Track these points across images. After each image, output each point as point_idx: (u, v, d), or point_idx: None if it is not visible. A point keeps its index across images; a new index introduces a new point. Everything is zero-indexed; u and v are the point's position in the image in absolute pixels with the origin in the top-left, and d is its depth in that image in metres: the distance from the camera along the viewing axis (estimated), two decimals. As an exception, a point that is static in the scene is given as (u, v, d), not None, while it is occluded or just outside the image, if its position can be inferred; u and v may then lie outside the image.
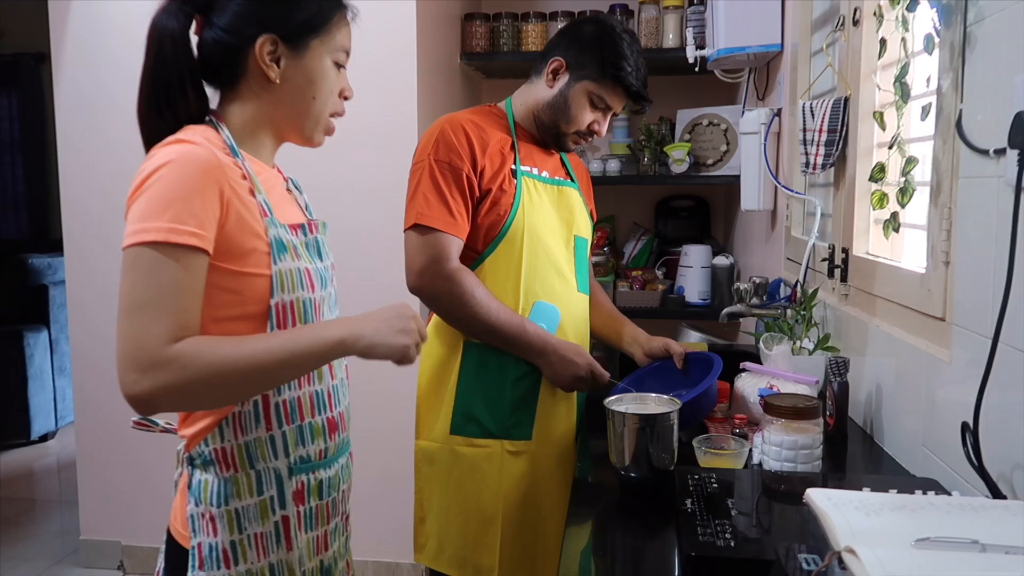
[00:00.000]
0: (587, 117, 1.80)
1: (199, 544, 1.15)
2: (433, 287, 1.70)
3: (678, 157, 3.12)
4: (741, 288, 2.14)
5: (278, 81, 1.19)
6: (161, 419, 1.27)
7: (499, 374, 1.76)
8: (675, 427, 1.35)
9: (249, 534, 1.16)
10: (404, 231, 1.73)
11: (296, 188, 1.37)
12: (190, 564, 1.15)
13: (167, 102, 1.17)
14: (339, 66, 1.26)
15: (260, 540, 1.16)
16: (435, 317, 1.80)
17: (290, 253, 1.16)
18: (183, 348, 1.03)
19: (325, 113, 1.26)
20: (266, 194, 1.18)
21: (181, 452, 1.21)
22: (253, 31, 1.17)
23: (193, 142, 1.09)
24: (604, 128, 1.85)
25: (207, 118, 1.21)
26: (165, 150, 1.09)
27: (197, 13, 1.19)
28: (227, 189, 1.09)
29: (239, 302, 1.12)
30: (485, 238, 1.74)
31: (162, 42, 1.16)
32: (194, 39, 1.20)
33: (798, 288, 1.93)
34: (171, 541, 1.21)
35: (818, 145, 1.86)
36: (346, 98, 1.29)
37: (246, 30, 1.17)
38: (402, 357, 1.17)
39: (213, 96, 1.24)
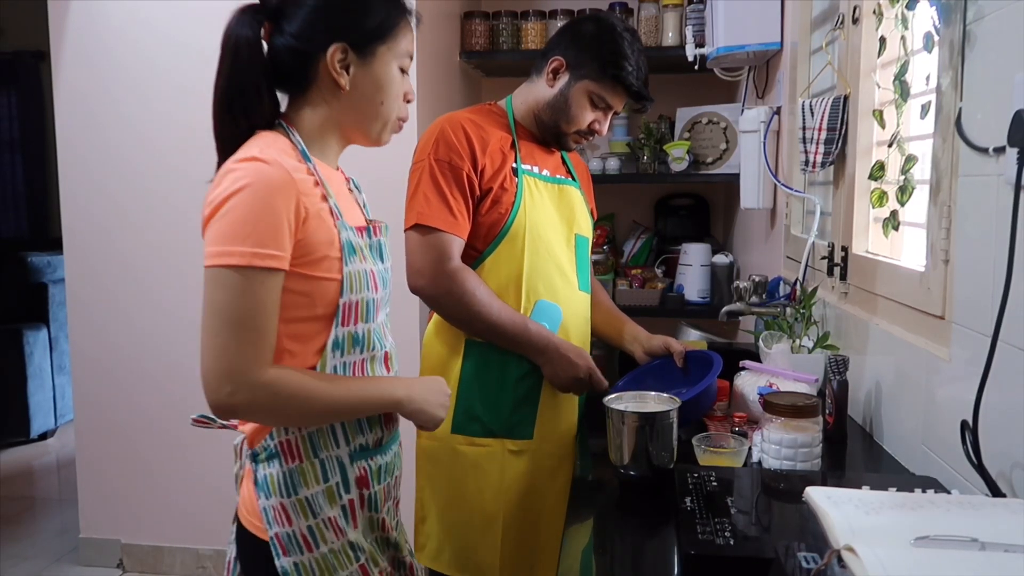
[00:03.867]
0: (587, 116, 1.80)
1: (276, 534, 1.21)
2: (434, 287, 1.70)
3: (677, 155, 3.12)
4: (740, 286, 2.14)
5: (348, 88, 1.23)
6: None
7: (501, 373, 1.76)
8: (675, 425, 1.35)
9: (323, 519, 1.22)
10: (404, 231, 1.72)
11: (356, 188, 1.42)
12: (274, 553, 1.21)
13: (242, 108, 1.21)
14: (403, 71, 1.30)
15: (334, 523, 1.23)
16: (436, 316, 1.80)
17: (359, 255, 1.22)
18: (279, 376, 1.14)
19: (392, 116, 1.30)
20: (336, 197, 1.23)
21: (238, 446, 1.29)
22: (324, 39, 1.21)
23: (266, 160, 1.13)
24: (605, 127, 1.85)
25: (278, 122, 1.25)
26: (240, 170, 1.12)
27: (267, 20, 1.23)
28: (302, 203, 1.14)
29: (309, 304, 1.18)
30: (486, 237, 1.74)
31: (238, 49, 1.19)
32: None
33: (797, 286, 1.93)
34: (242, 530, 1.27)
35: (817, 143, 1.86)
36: (408, 101, 1.33)
37: (317, 38, 1.21)
38: (434, 427, 1.33)
39: (283, 100, 1.29)
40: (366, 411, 1.25)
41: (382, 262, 1.31)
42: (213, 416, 1.28)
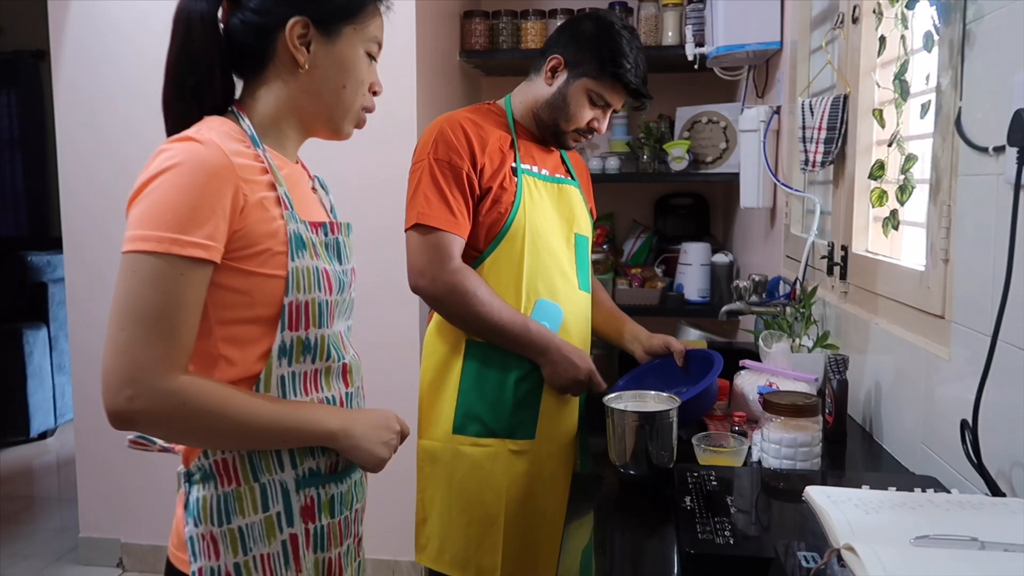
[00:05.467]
0: (586, 115, 1.80)
1: (199, 569, 1.07)
2: (435, 287, 1.69)
3: (677, 155, 3.11)
4: (740, 286, 2.14)
5: (307, 67, 1.13)
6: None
7: (502, 373, 1.75)
8: (674, 425, 1.35)
9: (255, 555, 1.08)
10: (405, 231, 1.72)
11: (322, 187, 1.32)
12: None
13: (193, 89, 1.11)
14: (371, 58, 1.21)
15: (266, 562, 1.09)
16: (437, 316, 1.80)
17: (309, 251, 1.11)
18: (190, 385, 1.00)
19: (355, 105, 1.20)
20: (290, 189, 1.13)
21: (181, 471, 1.15)
22: (285, 11, 1.12)
23: (201, 140, 1.03)
24: (604, 126, 1.85)
25: (229, 108, 1.16)
26: (172, 149, 1.02)
27: None
28: (240, 190, 1.03)
29: (248, 303, 1.07)
30: (486, 237, 1.74)
31: (190, 25, 1.10)
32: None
33: (797, 286, 1.93)
34: (170, 567, 1.13)
35: (817, 143, 1.86)
36: (375, 93, 1.23)
37: (277, 10, 1.12)
38: (374, 467, 1.18)
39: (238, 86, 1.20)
40: (293, 441, 1.09)
41: (339, 263, 1.18)
42: (148, 436, 1.16)
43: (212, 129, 1.07)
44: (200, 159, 1.01)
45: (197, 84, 1.11)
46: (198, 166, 1.00)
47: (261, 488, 1.09)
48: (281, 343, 1.09)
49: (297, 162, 1.25)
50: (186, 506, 1.09)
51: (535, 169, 1.81)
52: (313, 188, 1.28)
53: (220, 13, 1.14)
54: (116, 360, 0.98)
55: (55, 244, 3.73)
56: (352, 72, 1.18)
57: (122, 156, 2.95)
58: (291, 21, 1.12)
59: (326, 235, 1.17)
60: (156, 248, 0.98)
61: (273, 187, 1.09)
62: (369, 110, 1.24)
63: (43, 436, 4.64)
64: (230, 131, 1.09)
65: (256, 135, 1.13)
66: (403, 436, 1.23)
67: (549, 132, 1.83)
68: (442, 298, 1.71)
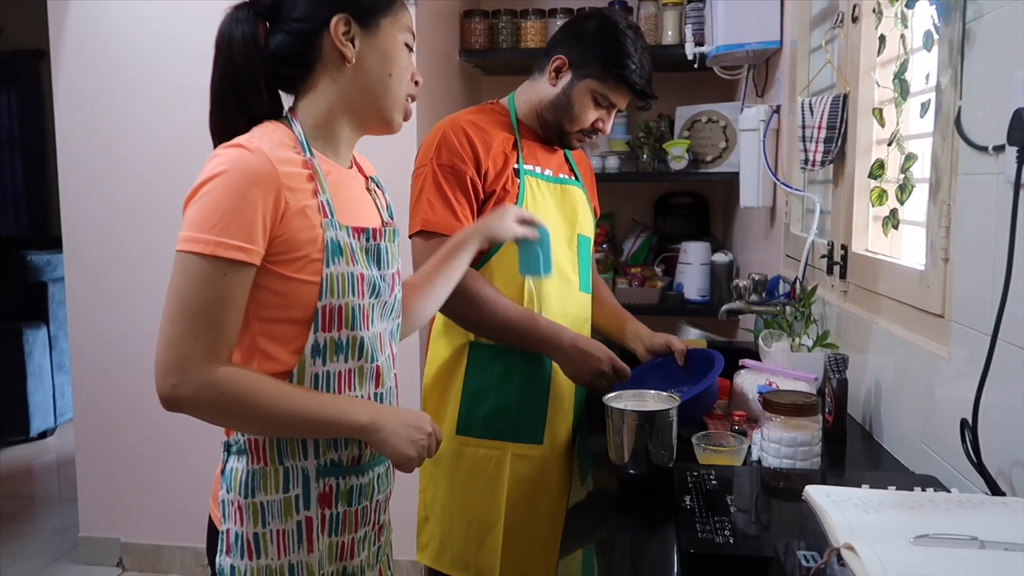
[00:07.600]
0: (591, 115, 1.79)
1: (227, 530, 1.18)
2: None
3: (677, 154, 3.11)
4: (740, 285, 2.14)
5: (353, 61, 1.20)
6: None
7: (505, 376, 1.75)
8: (674, 424, 1.35)
9: (272, 530, 1.17)
10: (410, 237, 1.71)
11: (378, 187, 1.38)
12: (219, 547, 1.19)
13: (238, 104, 1.19)
14: (408, 48, 1.27)
15: (282, 537, 1.18)
16: (441, 317, 1.79)
17: (345, 257, 1.17)
18: (228, 375, 1.09)
19: (402, 93, 1.26)
20: (331, 194, 1.19)
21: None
22: (325, 13, 1.18)
23: (249, 148, 1.10)
24: (608, 126, 1.83)
25: (284, 115, 1.23)
26: (222, 156, 1.11)
27: (261, 20, 1.20)
28: (282, 196, 1.11)
29: (284, 305, 1.14)
30: (489, 239, 1.73)
31: (232, 46, 1.17)
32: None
33: (797, 285, 1.93)
34: (210, 518, 1.25)
35: (817, 142, 1.86)
36: (416, 82, 1.29)
37: (319, 14, 1.19)
38: (402, 464, 1.22)
39: (287, 101, 1.26)
40: (325, 432, 1.17)
41: (378, 268, 1.24)
42: None
43: (264, 136, 1.14)
44: (245, 166, 1.09)
45: (243, 100, 1.18)
46: (243, 173, 1.08)
47: (284, 471, 1.18)
48: (314, 343, 1.16)
49: (351, 165, 1.31)
50: (223, 472, 1.20)
51: (538, 170, 1.80)
52: (368, 188, 1.34)
53: (260, 32, 1.20)
54: (165, 351, 1.08)
55: (55, 244, 3.73)
56: (395, 61, 1.24)
57: (122, 156, 2.95)
58: (334, 20, 1.18)
59: (367, 240, 1.23)
60: (203, 250, 1.07)
61: (316, 194, 1.15)
62: (413, 98, 1.29)
63: (43, 436, 4.64)
64: (282, 137, 1.16)
65: (306, 141, 1.19)
66: (437, 440, 1.26)
67: (553, 132, 1.82)
68: (447, 302, 1.70)
